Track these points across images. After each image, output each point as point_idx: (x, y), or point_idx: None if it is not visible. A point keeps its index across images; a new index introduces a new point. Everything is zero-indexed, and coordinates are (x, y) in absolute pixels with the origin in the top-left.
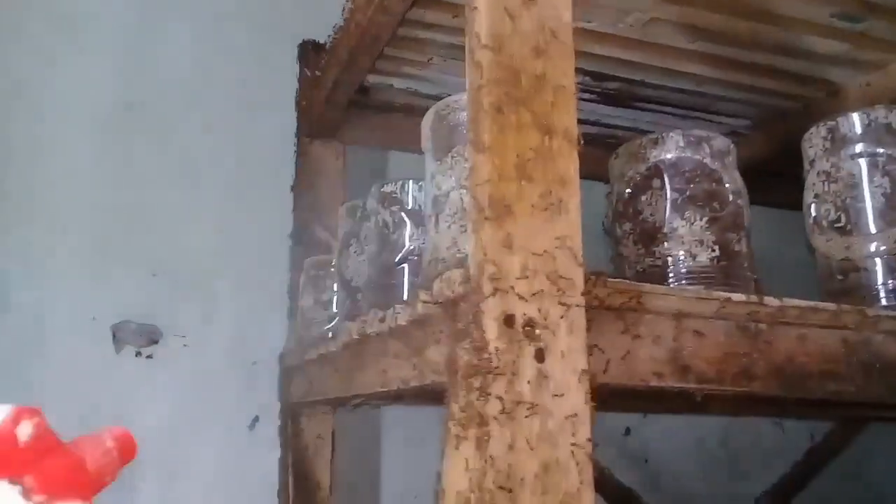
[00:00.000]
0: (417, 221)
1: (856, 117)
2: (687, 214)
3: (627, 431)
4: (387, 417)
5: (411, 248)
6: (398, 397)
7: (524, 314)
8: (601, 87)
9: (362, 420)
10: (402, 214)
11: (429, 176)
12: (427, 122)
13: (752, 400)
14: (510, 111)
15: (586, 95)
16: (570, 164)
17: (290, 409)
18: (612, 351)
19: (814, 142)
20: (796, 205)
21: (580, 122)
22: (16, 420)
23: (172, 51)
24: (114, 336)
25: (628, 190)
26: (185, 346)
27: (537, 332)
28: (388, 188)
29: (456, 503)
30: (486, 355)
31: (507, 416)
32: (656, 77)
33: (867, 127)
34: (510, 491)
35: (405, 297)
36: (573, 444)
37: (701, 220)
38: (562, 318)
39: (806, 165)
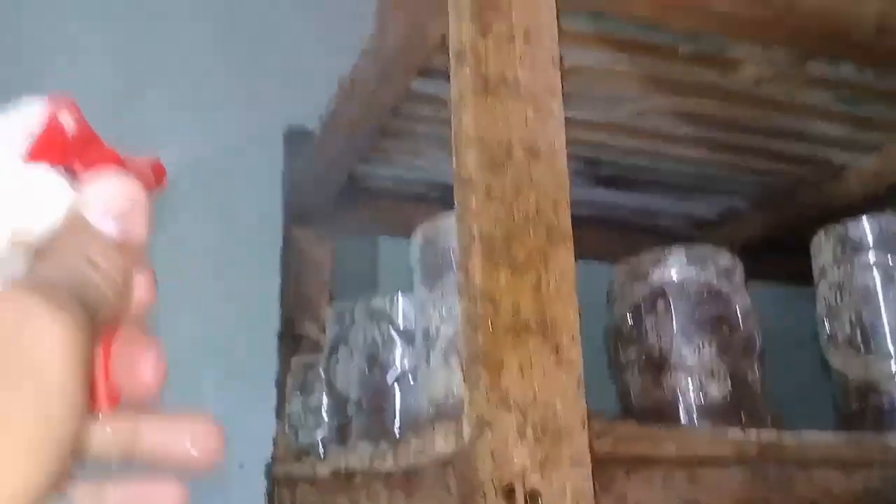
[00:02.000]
0: (409, 339)
1: (866, 223)
2: (695, 342)
3: None
4: None
5: (403, 369)
6: None
7: (525, 485)
8: (595, 172)
9: None
10: (392, 332)
11: (418, 303)
12: (415, 244)
13: None
14: (502, 251)
15: (581, 179)
16: (570, 310)
17: None
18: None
19: (822, 248)
20: (800, 279)
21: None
22: (57, 110)
23: (153, 139)
24: None
25: (630, 313)
26: None
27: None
28: (376, 303)
29: None
30: None
31: None
32: (651, 161)
33: (879, 234)
34: None
35: (397, 422)
36: None
37: (710, 346)
38: (567, 486)
39: (815, 272)
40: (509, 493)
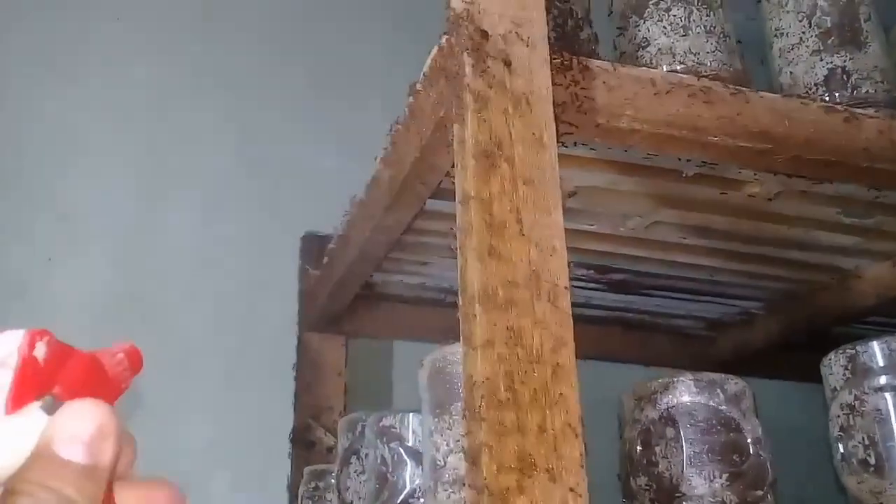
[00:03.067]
0: (419, 460)
1: (876, 347)
2: (706, 469)
3: None
4: None
5: (413, 489)
6: None
7: None
8: (606, 278)
9: None
10: (402, 451)
11: (427, 433)
12: (424, 373)
13: None
14: (507, 390)
15: (592, 285)
16: (576, 452)
17: None
18: None
19: (833, 369)
20: (813, 377)
21: (587, 305)
22: (31, 344)
23: (172, 242)
24: None
25: (640, 438)
26: None
27: None
28: (386, 421)
29: None
30: None
31: None
32: (661, 269)
33: (889, 357)
34: None
35: None
36: None
37: (721, 476)
38: None
39: (827, 393)
40: None
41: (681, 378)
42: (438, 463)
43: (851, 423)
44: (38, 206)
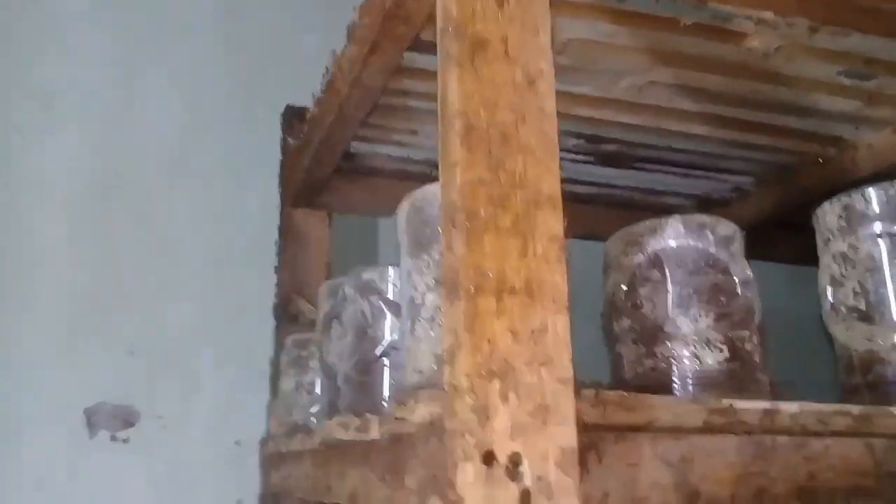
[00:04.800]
0: (398, 312)
1: (872, 193)
2: (691, 311)
3: None
4: None
5: (391, 341)
6: None
7: (506, 450)
8: (598, 149)
9: None
10: (382, 304)
11: (405, 273)
12: (401, 214)
13: None
14: (487, 215)
15: (582, 157)
16: (557, 276)
17: (271, 502)
18: (609, 479)
19: (827, 219)
20: (806, 258)
21: (577, 182)
22: None
23: (152, 121)
24: (88, 420)
25: (625, 282)
26: (163, 427)
27: (522, 471)
28: (366, 275)
29: None
30: (460, 498)
31: None
32: (654, 138)
33: (885, 203)
34: None
35: (385, 394)
36: None
37: (707, 316)
38: (551, 453)
39: (819, 244)
40: (490, 458)
41: (670, 220)
42: (416, 301)
43: (844, 271)
44: (14, 84)
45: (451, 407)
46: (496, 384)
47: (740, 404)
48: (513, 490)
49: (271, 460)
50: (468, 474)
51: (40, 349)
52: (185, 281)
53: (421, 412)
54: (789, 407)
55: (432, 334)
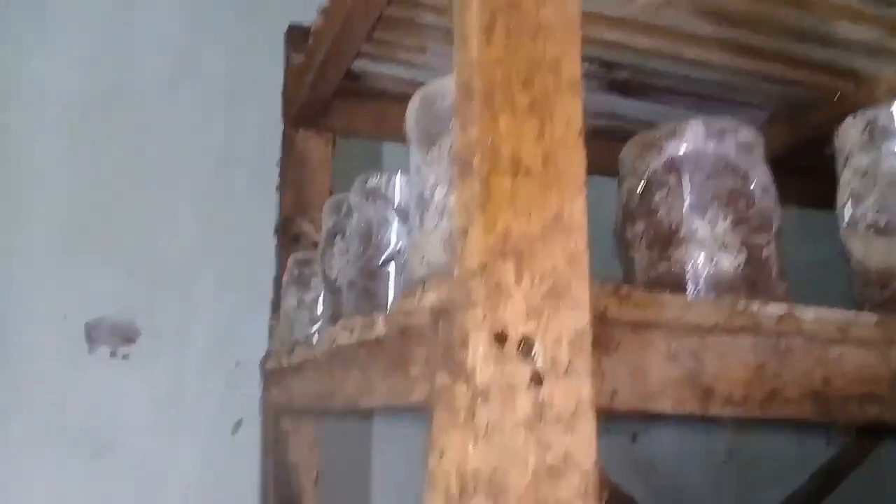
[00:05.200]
0: (405, 218)
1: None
2: (708, 215)
3: (634, 438)
4: (378, 429)
5: (397, 247)
6: (386, 410)
7: (519, 331)
8: (610, 75)
9: (351, 431)
10: (387, 211)
11: (414, 169)
12: (412, 108)
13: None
14: (504, 96)
15: (594, 83)
16: (575, 159)
17: (272, 417)
18: (621, 371)
19: (849, 134)
20: (821, 203)
21: (587, 114)
22: None
23: (152, 36)
24: (87, 335)
25: (641, 186)
26: (163, 345)
27: (534, 352)
28: (372, 182)
29: None
30: (472, 379)
31: (496, 447)
32: (669, 65)
33: None
34: None
35: (390, 301)
36: (576, 481)
37: (724, 221)
38: (564, 335)
39: (839, 161)
40: (502, 338)
41: (691, 123)
42: (425, 196)
43: (863, 187)
44: None
45: (462, 288)
46: (510, 265)
47: (758, 307)
48: (525, 371)
49: (272, 377)
50: (479, 354)
51: (39, 264)
52: (185, 199)
53: (430, 298)
54: (806, 313)
55: (442, 225)
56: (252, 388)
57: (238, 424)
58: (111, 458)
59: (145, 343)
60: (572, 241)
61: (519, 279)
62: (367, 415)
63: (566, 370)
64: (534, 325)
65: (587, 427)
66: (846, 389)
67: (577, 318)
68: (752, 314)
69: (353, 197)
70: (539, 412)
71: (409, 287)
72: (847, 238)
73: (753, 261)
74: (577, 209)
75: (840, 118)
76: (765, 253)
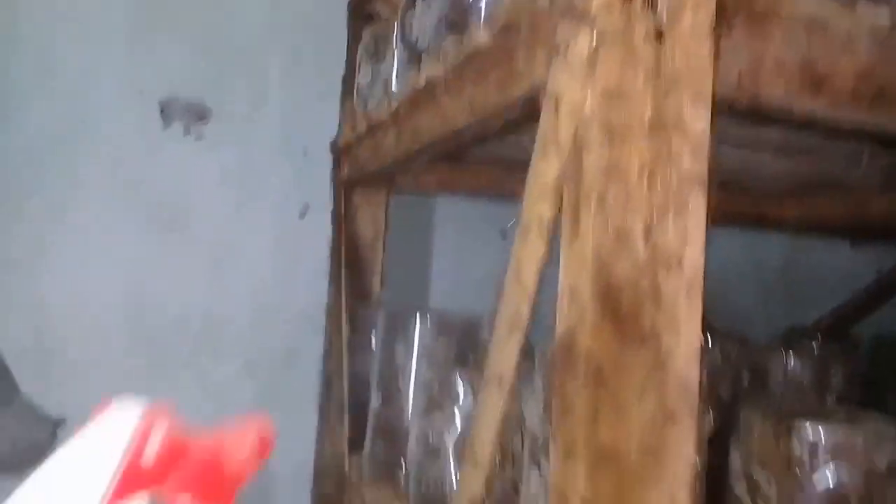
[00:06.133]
0: None
1: None
2: None
3: None
4: (439, 210)
5: None
6: (467, 142)
7: None
8: None
9: (415, 211)
10: None
11: None
12: None
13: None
14: None
15: None
16: None
17: (343, 190)
18: (739, 56)
19: None
20: None
21: None
22: (143, 436)
23: None
24: (161, 111)
25: None
26: (234, 127)
27: (658, 9)
28: None
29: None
30: (594, 25)
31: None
32: None
33: None
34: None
35: None
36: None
37: None
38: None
39: None
40: None
41: None
42: None
43: None
44: None
45: None
46: None
47: (874, 9)
48: (648, 25)
49: (344, 152)
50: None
51: (114, 40)
52: None
53: None
54: None
55: None
56: (319, 174)
57: (306, 209)
58: (185, 232)
59: (217, 123)
60: None
61: None
62: (459, 145)
63: (689, 31)
64: None
65: (705, 87)
66: None
67: None
68: (869, 15)
69: None
70: (657, 67)
71: None
72: None
73: None
74: None
75: None
76: None
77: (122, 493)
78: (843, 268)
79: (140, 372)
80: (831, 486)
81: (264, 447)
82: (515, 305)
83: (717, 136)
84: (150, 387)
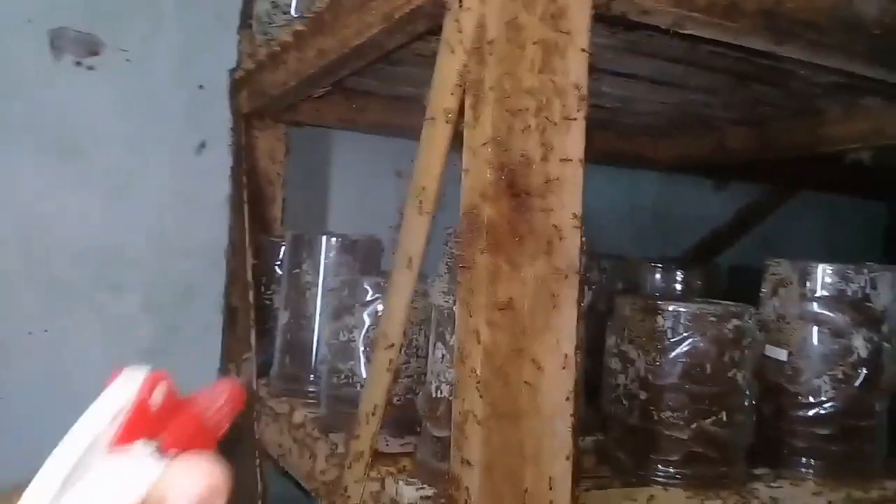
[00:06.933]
0: None
1: None
2: None
3: None
4: (337, 143)
5: None
6: (369, 54)
7: None
8: None
9: (312, 143)
10: None
11: None
12: None
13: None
14: None
15: None
16: None
17: (242, 122)
18: None
19: None
20: None
21: None
22: (150, 388)
23: None
24: (51, 42)
25: None
26: (127, 60)
27: None
28: None
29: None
30: None
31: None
32: None
33: None
34: None
35: None
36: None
37: None
38: None
39: None
40: None
41: None
42: None
43: None
44: None
45: None
46: None
47: None
48: None
49: (242, 83)
50: None
51: None
52: None
53: None
54: None
55: None
56: (216, 111)
57: (202, 146)
58: (80, 162)
59: (110, 56)
60: None
61: None
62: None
63: None
64: None
65: None
66: (794, 14)
67: None
68: None
69: None
70: None
71: None
72: None
73: None
74: None
75: None
76: None
77: (128, 435)
78: (707, 206)
79: (37, 307)
80: (689, 352)
81: (237, 400)
82: (423, 187)
83: (600, 65)
84: (48, 323)
